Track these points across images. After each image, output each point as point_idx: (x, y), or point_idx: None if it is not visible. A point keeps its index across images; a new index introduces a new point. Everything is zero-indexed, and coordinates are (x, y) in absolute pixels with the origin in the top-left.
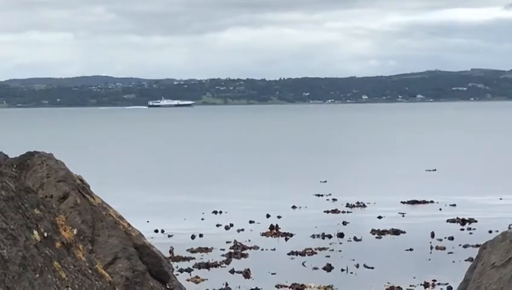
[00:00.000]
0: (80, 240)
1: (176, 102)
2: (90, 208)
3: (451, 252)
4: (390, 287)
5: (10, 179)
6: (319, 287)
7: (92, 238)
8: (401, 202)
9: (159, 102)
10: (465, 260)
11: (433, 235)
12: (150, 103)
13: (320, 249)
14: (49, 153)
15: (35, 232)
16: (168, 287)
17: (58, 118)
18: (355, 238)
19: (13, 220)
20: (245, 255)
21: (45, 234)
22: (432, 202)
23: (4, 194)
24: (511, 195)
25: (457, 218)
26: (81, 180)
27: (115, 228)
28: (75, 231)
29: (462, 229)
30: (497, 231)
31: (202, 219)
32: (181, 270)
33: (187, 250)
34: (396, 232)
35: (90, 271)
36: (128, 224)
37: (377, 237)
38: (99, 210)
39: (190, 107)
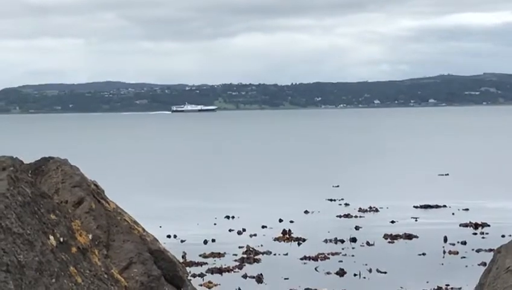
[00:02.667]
0: (95, 245)
1: (199, 107)
2: (105, 213)
3: (464, 257)
4: None
5: (26, 185)
6: None
7: (107, 243)
8: (414, 207)
9: (182, 107)
10: (478, 265)
11: (446, 239)
12: (174, 108)
13: (332, 253)
14: (63, 158)
15: (51, 237)
16: None
17: (77, 123)
18: (368, 243)
19: (29, 225)
20: (258, 260)
21: (61, 239)
22: (444, 206)
23: (20, 199)
24: None
25: (470, 222)
26: (96, 185)
27: (129, 233)
28: (90, 236)
29: (475, 234)
30: (510, 236)
31: (215, 224)
32: (194, 276)
33: (200, 255)
34: (409, 236)
35: (106, 276)
36: (143, 229)
37: (389, 242)
38: (114, 215)
39: (213, 112)
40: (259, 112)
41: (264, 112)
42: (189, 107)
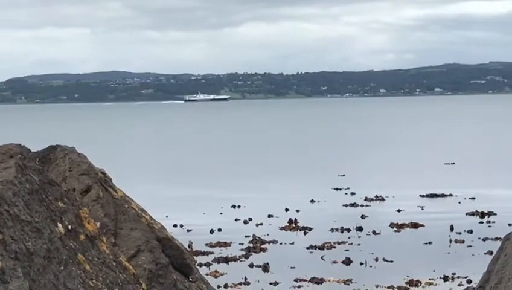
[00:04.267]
0: (103, 233)
1: (212, 96)
2: (113, 201)
3: (471, 245)
4: (410, 280)
5: (34, 172)
6: (338, 281)
7: (114, 231)
8: (420, 196)
9: (195, 96)
10: (485, 253)
11: (452, 228)
12: (186, 98)
13: (339, 242)
14: (71, 146)
15: (59, 225)
16: (190, 279)
17: (89, 114)
18: (374, 232)
19: (37, 212)
20: (264, 249)
21: (69, 227)
22: (450, 195)
23: (28, 187)
24: None
25: (476, 211)
26: (104, 173)
27: (137, 221)
28: (98, 224)
29: (481, 222)
30: None
31: (221, 214)
32: (200, 265)
33: (206, 244)
34: (415, 225)
35: (114, 264)
36: (151, 217)
37: (395, 231)
38: (121, 203)
39: (226, 102)
40: (268, 101)
41: (273, 101)
42: (201, 96)
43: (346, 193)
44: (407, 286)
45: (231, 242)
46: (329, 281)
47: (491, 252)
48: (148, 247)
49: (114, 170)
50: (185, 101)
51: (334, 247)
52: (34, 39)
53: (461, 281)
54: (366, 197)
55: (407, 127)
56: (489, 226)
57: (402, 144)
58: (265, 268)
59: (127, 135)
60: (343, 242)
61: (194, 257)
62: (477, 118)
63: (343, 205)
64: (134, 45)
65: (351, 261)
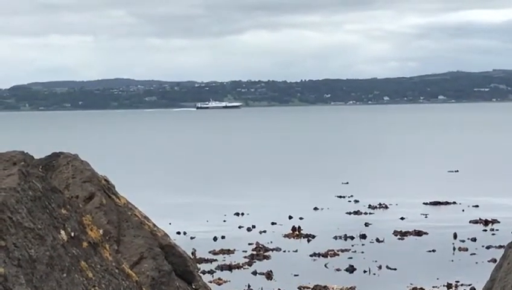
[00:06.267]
0: (106, 240)
1: (223, 104)
2: (116, 208)
3: (474, 253)
4: (413, 288)
5: (37, 179)
6: (341, 289)
7: (117, 239)
8: (424, 203)
9: (207, 104)
10: (488, 261)
11: (455, 236)
12: (198, 105)
13: (342, 250)
14: (74, 153)
15: (62, 232)
16: (193, 287)
17: (99, 121)
18: (377, 240)
19: (40, 219)
20: (267, 257)
21: (72, 234)
22: (454, 203)
23: (31, 194)
24: None
25: (480, 219)
26: (107, 180)
27: (140, 228)
28: (101, 231)
29: (485, 230)
30: None
31: (224, 221)
32: (203, 272)
33: (209, 252)
34: (418, 233)
35: (117, 271)
36: (154, 224)
37: (399, 239)
38: (124, 210)
39: (238, 109)
40: (272, 108)
41: (277, 109)
42: (213, 103)
43: (349, 201)
44: None
45: (234, 249)
46: (332, 288)
47: (494, 260)
48: (151, 254)
49: (117, 177)
50: (197, 108)
51: (338, 255)
52: (37, 46)
53: (465, 289)
54: (369, 205)
55: (410, 135)
56: (493, 234)
57: (406, 152)
58: (269, 276)
59: (130, 143)
60: (346, 250)
61: (198, 264)
62: (481, 125)
63: (347, 213)
64: (138, 52)
65: (355, 269)
